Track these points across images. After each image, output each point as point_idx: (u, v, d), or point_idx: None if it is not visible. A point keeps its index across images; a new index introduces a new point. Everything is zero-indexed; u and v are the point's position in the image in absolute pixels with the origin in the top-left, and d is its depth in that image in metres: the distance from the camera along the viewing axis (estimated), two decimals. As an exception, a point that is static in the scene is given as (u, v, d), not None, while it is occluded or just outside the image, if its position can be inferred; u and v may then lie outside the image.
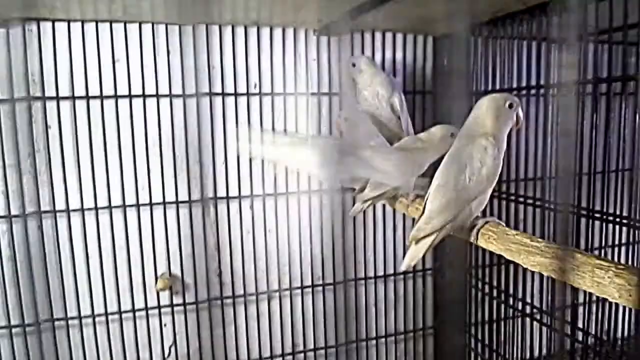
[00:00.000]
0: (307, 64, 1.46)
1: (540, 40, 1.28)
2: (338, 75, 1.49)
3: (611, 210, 1.29)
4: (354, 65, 1.32)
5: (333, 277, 1.56)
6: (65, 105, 1.29)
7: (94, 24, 1.28)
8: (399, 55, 1.55)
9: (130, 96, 1.32)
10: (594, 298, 1.40)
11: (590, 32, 1.20)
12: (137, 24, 1.31)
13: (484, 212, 1.01)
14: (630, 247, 1.47)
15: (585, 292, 1.38)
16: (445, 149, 1.04)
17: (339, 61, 1.49)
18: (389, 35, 1.53)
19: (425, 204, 0.97)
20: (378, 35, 1.52)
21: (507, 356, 1.56)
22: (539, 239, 0.83)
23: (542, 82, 1.30)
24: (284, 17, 1.33)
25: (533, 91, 1.34)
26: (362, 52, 1.50)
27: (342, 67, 1.46)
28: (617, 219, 1.23)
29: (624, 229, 1.33)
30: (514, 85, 1.38)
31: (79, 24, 1.27)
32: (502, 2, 1.21)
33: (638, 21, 1.06)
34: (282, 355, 1.55)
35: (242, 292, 1.48)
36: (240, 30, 1.39)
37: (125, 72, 1.31)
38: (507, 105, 0.96)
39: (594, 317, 1.40)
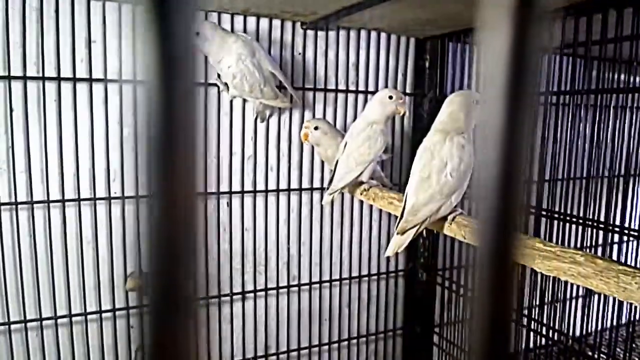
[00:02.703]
0: (292, 57, 1.42)
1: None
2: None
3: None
4: (197, 34, 1.22)
5: (309, 277, 1.53)
6: (32, 87, 1.17)
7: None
8: (382, 54, 1.54)
9: (105, 80, 1.22)
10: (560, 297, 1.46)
11: (556, 46, 1.24)
12: (117, 4, 1.21)
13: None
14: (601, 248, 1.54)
15: (548, 291, 1.45)
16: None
17: (325, 56, 1.46)
18: (374, 34, 1.52)
19: (406, 197, 1.03)
20: (363, 34, 1.50)
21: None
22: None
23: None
24: (278, 8, 1.28)
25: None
26: (347, 48, 1.48)
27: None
28: (580, 220, 1.30)
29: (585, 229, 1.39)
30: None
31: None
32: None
33: (600, 38, 1.12)
34: (255, 357, 1.49)
35: (216, 292, 1.41)
36: (226, 17, 1.32)
37: (102, 55, 1.21)
38: (474, 102, 1.02)
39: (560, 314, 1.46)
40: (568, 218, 1.34)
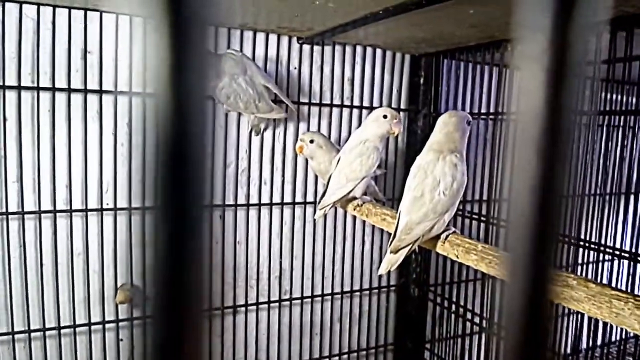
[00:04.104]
0: (288, 72, 1.42)
1: (502, 68, 1.34)
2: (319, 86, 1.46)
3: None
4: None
5: (301, 291, 1.52)
6: (27, 96, 1.17)
7: (67, 10, 1.17)
8: (377, 70, 1.55)
9: (100, 91, 1.22)
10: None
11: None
12: (114, 15, 1.22)
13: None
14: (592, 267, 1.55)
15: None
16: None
17: (321, 71, 1.46)
18: (369, 50, 1.53)
19: (399, 216, 1.03)
20: (359, 49, 1.51)
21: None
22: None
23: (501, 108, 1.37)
24: (275, 24, 1.28)
25: (492, 116, 1.40)
26: (343, 63, 1.49)
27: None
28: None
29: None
30: (475, 110, 1.43)
31: (50, 8, 1.16)
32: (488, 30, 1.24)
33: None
34: (245, 372, 1.48)
35: (206, 306, 1.40)
36: (223, 32, 1.33)
37: (98, 65, 1.21)
38: (466, 122, 1.05)
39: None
40: (560, 238, 1.34)
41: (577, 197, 1.37)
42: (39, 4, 1.14)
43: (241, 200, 1.42)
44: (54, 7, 1.15)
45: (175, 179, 0.20)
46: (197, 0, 0.19)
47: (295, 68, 1.44)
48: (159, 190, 0.19)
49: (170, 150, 0.19)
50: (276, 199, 1.46)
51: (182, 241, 0.20)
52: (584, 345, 1.59)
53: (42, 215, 1.20)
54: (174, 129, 0.19)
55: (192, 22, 0.19)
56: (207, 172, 0.21)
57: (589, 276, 1.63)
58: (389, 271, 1.10)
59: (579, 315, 1.48)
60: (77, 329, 1.26)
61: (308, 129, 1.46)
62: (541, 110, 0.18)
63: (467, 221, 1.52)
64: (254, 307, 1.47)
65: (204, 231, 0.20)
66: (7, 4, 1.12)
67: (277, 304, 1.50)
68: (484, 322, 1.52)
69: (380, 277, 1.64)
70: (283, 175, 1.46)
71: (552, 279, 0.22)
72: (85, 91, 1.21)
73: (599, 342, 1.65)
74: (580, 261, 1.50)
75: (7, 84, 1.14)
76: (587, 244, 1.37)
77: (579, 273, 1.57)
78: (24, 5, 1.13)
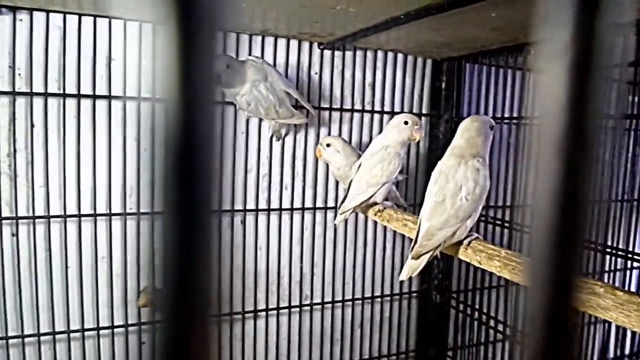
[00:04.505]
0: (309, 77, 1.43)
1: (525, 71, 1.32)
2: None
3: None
4: (228, 67, 1.17)
5: (321, 297, 1.52)
6: (54, 103, 1.19)
7: (92, 18, 1.19)
8: (398, 75, 1.54)
9: (124, 97, 1.24)
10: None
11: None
12: (138, 23, 1.23)
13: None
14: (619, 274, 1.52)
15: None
16: None
17: (342, 76, 1.46)
18: (390, 55, 1.52)
19: (420, 221, 1.01)
20: (380, 54, 1.51)
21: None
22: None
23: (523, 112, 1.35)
24: (296, 30, 1.29)
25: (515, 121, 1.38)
26: (364, 68, 1.49)
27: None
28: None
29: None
30: (498, 115, 1.42)
31: (76, 17, 1.18)
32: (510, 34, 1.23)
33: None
34: (265, 377, 1.48)
35: (228, 310, 1.41)
36: (244, 38, 1.34)
37: (121, 72, 1.23)
38: (489, 127, 1.03)
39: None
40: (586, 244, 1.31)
41: (604, 202, 1.34)
42: (65, 13, 1.16)
43: (262, 205, 1.42)
44: (80, 15, 1.18)
45: (183, 182, 0.20)
46: (206, 5, 0.19)
47: (316, 73, 1.44)
48: (166, 194, 0.20)
49: (178, 155, 0.19)
50: (297, 204, 1.47)
51: (190, 244, 0.20)
52: (612, 355, 1.55)
53: (68, 219, 1.23)
54: (182, 132, 0.19)
55: (201, 27, 0.19)
56: (215, 175, 0.20)
57: (617, 284, 1.59)
58: (410, 277, 1.09)
59: (607, 324, 1.45)
60: (101, 332, 1.27)
61: (329, 134, 1.46)
62: (563, 111, 0.18)
63: (490, 227, 1.50)
64: (275, 312, 1.47)
65: (211, 234, 0.20)
66: (34, 13, 1.14)
67: (297, 309, 1.50)
68: (508, 329, 1.50)
69: (401, 283, 1.62)
70: (304, 181, 1.47)
71: (577, 286, 0.21)
72: (109, 97, 1.23)
73: (627, 351, 1.61)
74: (607, 268, 1.47)
75: (34, 90, 1.17)
76: (614, 251, 1.34)
77: (606, 280, 1.54)
78: (50, 14, 1.16)
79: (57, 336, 1.23)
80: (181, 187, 0.19)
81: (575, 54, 0.17)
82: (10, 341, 1.19)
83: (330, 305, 1.54)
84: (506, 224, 1.44)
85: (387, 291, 1.62)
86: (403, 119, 1.20)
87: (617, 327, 1.64)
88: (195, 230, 0.20)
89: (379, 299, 1.61)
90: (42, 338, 1.22)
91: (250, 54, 1.33)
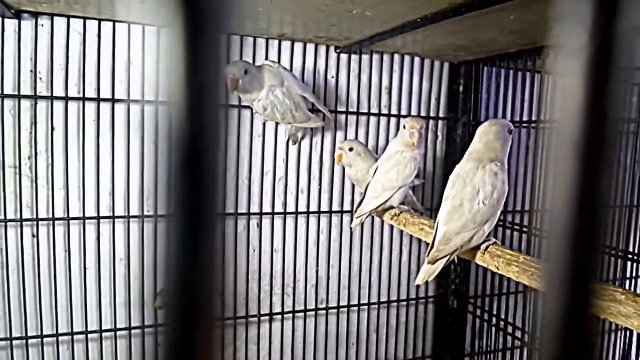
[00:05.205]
0: (326, 81, 1.43)
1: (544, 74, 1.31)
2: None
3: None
4: (246, 72, 1.17)
5: (337, 300, 1.52)
6: (73, 106, 1.21)
7: (111, 23, 1.21)
8: (415, 78, 1.53)
9: (143, 101, 1.25)
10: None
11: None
12: (156, 28, 1.24)
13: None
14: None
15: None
16: None
17: (358, 80, 1.46)
18: (407, 58, 1.52)
19: (437, 226, 1.01)
20: (397, 57, 1.50)
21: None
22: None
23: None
24: (313, 34, 1.29)
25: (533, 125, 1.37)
26: (380, 72, 1.48)
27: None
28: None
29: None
30: (516, 118, 1.40)
31: (96, 22, 1.20)
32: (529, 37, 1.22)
33: None
34: (280, 380, 1.48)
35: (243, 313, 1.41)
36: (261, 42, 1.35)
37: (140, 76, 1.25)
38: (507, 131, 1.01)
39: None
40: (607, 250, 1.29)
41: (624, 207, 1.32)
42: (85, 18, 1.18)
43: (278, 208, 1.43)
44: (99, 20, 1.19)
45: (186, 185, 0.20)
46: (212, 7, 0.19)
47: (332, 77, 1.44)
48: (171, 196, 0.20)
49: (181, 157, 0.19)
50: (313, 207, 1.47)
51: (192, 246, 0.20)
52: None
53: (86, 221, 1.24)
54: (186, 135, 0.19)
55: (206, 29, 0.19)
56: (220, 178, 0.20)
57: (638, 290, 1.56)
58: (427, 282, 1.08)
59: (628, 332, 1.42)
60: (118, 333, 1.29)
61: (345, 138, 1.46)
62: (580, 112, 0.18)
63: (508, 232, 1.48)
64: (290, 315, 1.47)
65: (215, 236, 0.20)
66: (55, 18, 1.17)
67: (313, 312, 1.50)
68: (526, 336, 1.47)
69: (417, 287, 1.61)
70: (320, 184, 1.47)
71: (596, 293, 0.21)
72: (128, 101, 1.24)
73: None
74: (628, 275, 1.44)
75: (55, 94, 1.18)
76: (635, 257, 1.31)
77: (627, 287, 1.51)
78: (71, 19, 1.18)
79: (75, 336, 1.25)
80: (184, 189, 0.20)
81: (592, 52, 0.17)
82: (30, 341, 1.21)
83: (345, 309, 1.53)
84: (525, 229, 1.42)
85: (403, 296, 1.61)
86: (403, 122, 1.20)
87: (639, 334, 1.61)
88: (198, 232, 0.20)
89: (395, 304, 1.60)
90: (60, 338, 1.24)
91: (267, 58, 1.34)
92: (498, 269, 0.96)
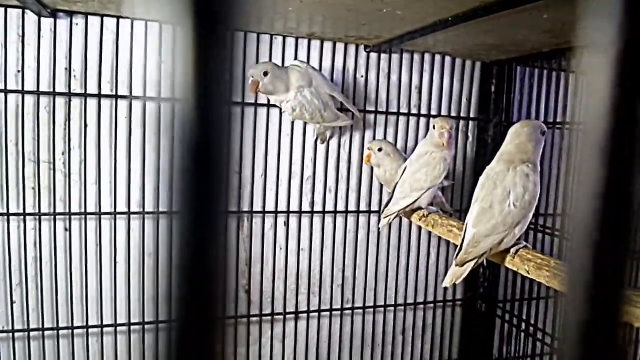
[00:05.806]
0: (355, 80, 1.42)
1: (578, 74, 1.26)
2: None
3: None
4: (265, 74, 1.16)
5: (363, 301, 1.51)
6: (106, 104, 1.23)
7: (143, 22, 1.23)
8: (446, 78, 1.51)
9: (173, 99, 1.27)
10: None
11: None
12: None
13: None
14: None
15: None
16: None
17: (388, 79, 1.45)
18: (437, 57, 1.50)
19: (466, 227, 0.99)
20: (427, 57, 1.48)
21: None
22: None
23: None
24: (342, 33, 1.29)
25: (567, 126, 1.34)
26: (410, 71, 1.47)
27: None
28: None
29: None
30: (550, 119, 1.37)
31: (128, 21, 1.22)
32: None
33: None
34: (305, 379, 1.48)
35: (269, 310, 1.42)
36: (290, 41, 1.35)
37: (170, 75, 1.26)
38: (540, 132, 0.99)
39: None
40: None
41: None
42: (118, 17, 1.20)
43: (306, 207, 1.43)
44: (132, 20, 1.22)
45: (195, 182, 0.20)
46: (223, 6, 0.18)
47: (362, 76, 1.43)
48: (180, 194, 0.20)
49: (190, 154, 0.19)
50: (340, 206, 1.46)
51: (201, 245, 0.20)
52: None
53: (117, 216, 1.26)
54: (195, 132, 0.19)
55: (216, 27, 0.19)
56: (227, 175, 0.20)
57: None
58: (455, 285, 1.06)
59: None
60: (146, 326, 1.31)
61: (374, 138, 1.45)
62: (607, 110, 0.17)
63: (539, 235, 1.45)
64: (316, 314, 1.47)
65: (220, 233, 0.20)
66: (89, 17, 1.19)
67: (338, 312, 1.50)
68: (556, 342, 1.44)
69: (445, 290, 1.59)
70: (348, 183, 1.46)
71: (625, 299, 0.20)
72: (159, 99, 1.26)
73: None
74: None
75: (88, 92, 1.21)
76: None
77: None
78: (104, 18, 1.20)
79: (105, 329, 1.27)
80: (193, 186, 0.19)
81: (621, 48, 0.16)
82: (60, 332, 1.24)
83: (371, 309, 1.53)
84: (557, 233, 1.38)
85: (430, 298, 1.59)
86: (433, 122, 1.18)
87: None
88: (203, 229, 0.20)
89: (421, 306, 1.58)
90: (90, 330, 1.26)
91: (296, 57, 1.34)
92: (528, 273, 0.94)
